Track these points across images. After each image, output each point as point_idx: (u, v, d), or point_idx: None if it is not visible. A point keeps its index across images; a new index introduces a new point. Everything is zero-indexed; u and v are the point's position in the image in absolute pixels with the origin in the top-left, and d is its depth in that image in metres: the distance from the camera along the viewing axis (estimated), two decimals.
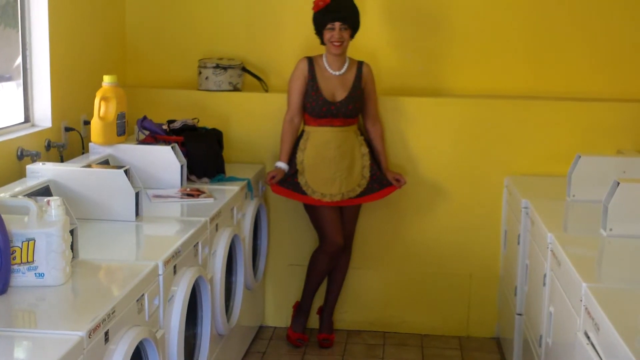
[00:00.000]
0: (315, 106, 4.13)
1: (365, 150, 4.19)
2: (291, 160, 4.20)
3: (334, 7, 4.02)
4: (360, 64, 4.19)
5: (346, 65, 4.15)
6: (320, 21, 4.06)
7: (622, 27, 4.50)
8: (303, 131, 4.22)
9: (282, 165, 4.19)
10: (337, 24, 4.02)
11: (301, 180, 4.17)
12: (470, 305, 4.59)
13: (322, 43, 4.13)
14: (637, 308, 2.36)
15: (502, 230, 4.46)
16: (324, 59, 4.15)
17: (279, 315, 4.65)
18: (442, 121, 4.47)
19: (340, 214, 4.27)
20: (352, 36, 4.10)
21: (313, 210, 4.25)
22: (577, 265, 2.69)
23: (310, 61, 4.16)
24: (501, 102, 4.45)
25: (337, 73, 4.14)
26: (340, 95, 4.13)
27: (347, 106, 4.11)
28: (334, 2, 4.03)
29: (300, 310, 4.47)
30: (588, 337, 2.37)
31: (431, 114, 4.47)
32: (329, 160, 4.13)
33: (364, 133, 4.27)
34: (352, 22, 4.06)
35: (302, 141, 4.20)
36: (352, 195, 4.18)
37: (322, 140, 4.14)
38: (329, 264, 4.32)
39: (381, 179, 4.23)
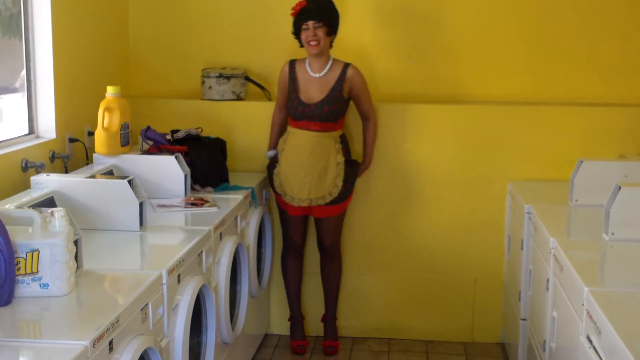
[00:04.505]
0: (291, 107, 4.15)
1: (340, 159, 4.16)
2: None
3: (307, 7, 4.05)
4: (346, 66, 4.16)
5: (328, 66, 4.14)
6: (296, 23, 4.08)
7: (623, 32, 4.51)
8: (285, 131, 4.26)
9: (271, 153, 4.31)
10: (310, 23, 4.02)
11: (276, 181, 4.22)
12: (474, 310, 4.59)
13: (301, 46, 4.13)
14: (639, 312, 2.37)
15: (505, 236, 4.46)
16: (307, 61, 4.17)
17: (284, 323, 4.64)
18: (444, 127, 4.48)
19: (317, 223, 4.32)
20: (329, 35, 4.06)
21: (281, 209, 4.32)
22: (579, 270, 2.70)
23: (293, 64, 4.20)
24: (503, 108, 4.46)
25: (318, 75, 4.13)
26: (317, 97, 4.12)
27: (323, 108, 4.08)
28: (309, 4, 4.05)
29: (292, 318, 4.50)
30: (590, 341, 2.38)
31: (434, 121, 4.48)
32: (301, 164, 4.13)
33: (343, 142, 4.22)
34: (326, 20, 4.03)
35: (281, 141, 4.23)
36: (321, 203, 4.18)
37: (297, 143, 4.15)
38: (295, 264, 4.42)
39: (345, 192, 4.22)
